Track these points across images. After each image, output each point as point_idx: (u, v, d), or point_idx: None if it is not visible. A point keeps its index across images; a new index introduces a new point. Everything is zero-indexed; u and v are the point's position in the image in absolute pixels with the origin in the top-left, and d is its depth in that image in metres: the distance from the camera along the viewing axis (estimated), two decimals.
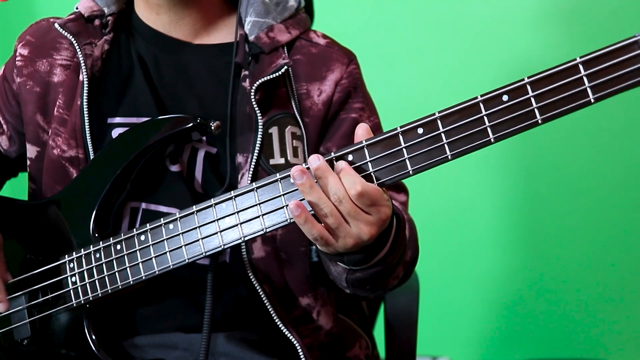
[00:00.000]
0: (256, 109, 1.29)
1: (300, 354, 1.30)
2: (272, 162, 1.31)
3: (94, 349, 1.27)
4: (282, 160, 1.31)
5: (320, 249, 1.11)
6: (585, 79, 0.96)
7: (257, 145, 1.29)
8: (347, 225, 1.06)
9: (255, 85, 1.29)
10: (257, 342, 1.34)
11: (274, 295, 1.31)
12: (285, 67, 1.30)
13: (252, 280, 1.29)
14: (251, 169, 1.29)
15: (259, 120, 1.30)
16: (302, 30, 1.39)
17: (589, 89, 0.96)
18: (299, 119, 1.33)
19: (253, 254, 1.30)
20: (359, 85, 1.38)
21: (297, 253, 1.32)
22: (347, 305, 1.47)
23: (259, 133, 1.29)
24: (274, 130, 1.32)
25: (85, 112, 1.33)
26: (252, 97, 1.29)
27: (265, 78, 1.30)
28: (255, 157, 1.29)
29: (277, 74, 1.30)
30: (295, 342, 1.30)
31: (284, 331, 1.30)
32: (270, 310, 1.29)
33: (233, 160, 1.31)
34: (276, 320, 1.29)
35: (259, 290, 1.29)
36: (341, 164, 1.06)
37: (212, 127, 1.26)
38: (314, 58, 1.37)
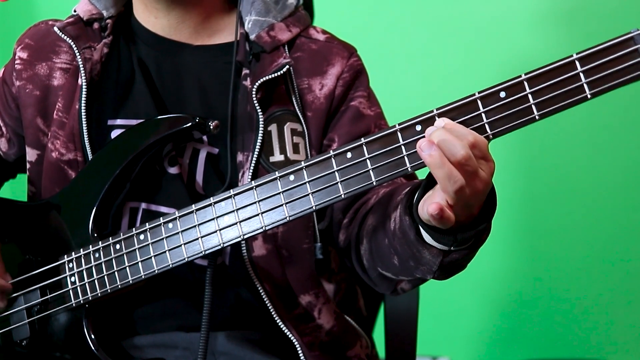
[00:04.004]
0: (257, 107, 1.30)
1: (300, 352, 1.30)
2: (272, 159, 1.31)
3: (93, 348, 1.27)
4: (282, 157, 1.31)
5: (442, 219, 1.02)
6: (581, 75, 0.96)
7: (258, 143, 1.30)
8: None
9: (257, 84, 1.29)
10: (258, 342, 1.34)
11: (274, 293, 1.30)
12: (287, 66, 1.31)
13: (253, 278, 1.29)
14: (251, 167, 1.29)
15: (260, 119, 1.30)
16: (303, 27, 1.39)
17: (585, 85, 0.96)
18: (300, 115, 1.33)
19: (254, 252, 1.30)
20: (360, 77, 1.38)
21: (299, 250, 1.32)
22: (345, 306, 1.46)
23: (260, 131, 1.30)
24: (272, 128, 1.32)
25: (83, 116, 1.33)
26: (254, 96, 1.29)
27: (267, 77, 1.30)
28: (255, 156, 1.29)
29: (278, 73, 1.30)
30: (294, 341, 1.30)
31: (283, 330, 1.30)
32: (270, 308, 1.29)
33: (234, 159, 1.31)
34: (276, 319, 1.29)
35: (260, 289, 1.29)
36: (443, 121, 1.01)
37: (211, 127, 1.26)
38: (314, 54, 1.37)
